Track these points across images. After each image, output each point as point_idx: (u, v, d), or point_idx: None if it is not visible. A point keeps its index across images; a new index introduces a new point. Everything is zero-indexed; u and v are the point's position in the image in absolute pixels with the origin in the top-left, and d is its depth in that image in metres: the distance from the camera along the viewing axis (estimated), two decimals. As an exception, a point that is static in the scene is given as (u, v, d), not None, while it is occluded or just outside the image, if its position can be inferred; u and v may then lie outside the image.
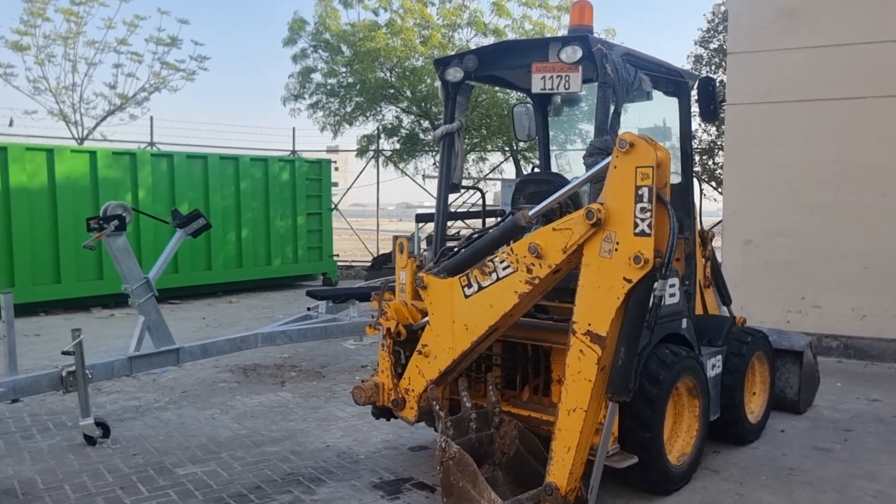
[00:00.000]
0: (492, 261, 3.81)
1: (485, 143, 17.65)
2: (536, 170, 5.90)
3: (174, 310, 11.85)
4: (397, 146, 17.92)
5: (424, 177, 17.98)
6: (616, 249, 3.36)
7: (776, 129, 8.29)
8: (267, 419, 5.89)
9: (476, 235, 4.09)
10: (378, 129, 18.19)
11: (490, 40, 17.09)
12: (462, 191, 5.23)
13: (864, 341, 8.17)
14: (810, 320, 8.33)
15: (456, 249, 4.22)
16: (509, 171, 18.59)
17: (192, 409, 6.17)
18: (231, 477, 4.61)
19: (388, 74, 16.59)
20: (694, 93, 5.14)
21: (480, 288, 3.86)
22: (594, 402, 3.51)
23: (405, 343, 4.37)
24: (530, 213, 3.79)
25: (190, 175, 13.17)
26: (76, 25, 17.37)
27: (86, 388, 5.06)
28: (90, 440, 5.14)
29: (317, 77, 17.44)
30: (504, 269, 3.76)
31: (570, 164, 6.29)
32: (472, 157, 17.99)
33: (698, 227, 5.46)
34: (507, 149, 17.47)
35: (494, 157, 18.53)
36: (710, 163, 15.94)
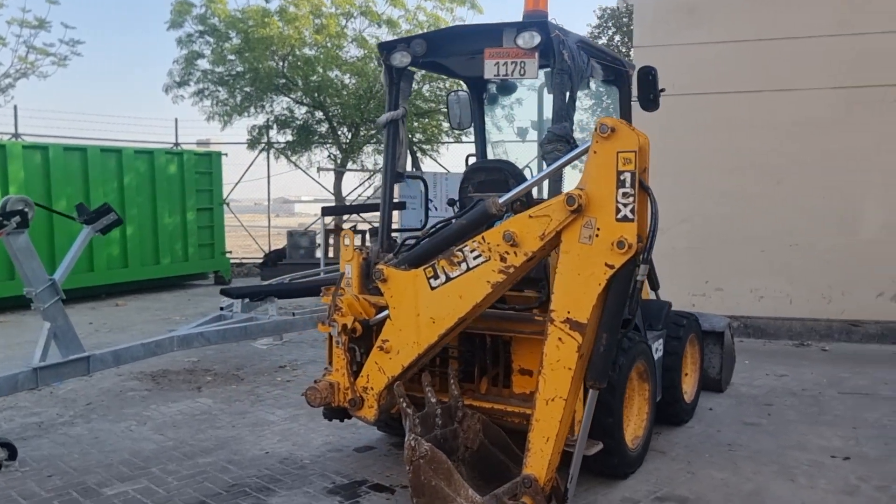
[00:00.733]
0: (461, 250, 3.67)
1: (380, 134, 17.42)
2: (472, 159, 5.80)
3: (56, 315, 10.88)
4: (290, 138, 17.34)
5: (319, 169, 17.52)
6: (597, 235, 3.32)
7: (680, 120, 8.62)
8: (192, 428, 5.48)
9: (440, 225, 3.94)
10: (268, 120, 17.55)
11: (384, 30, 16.89)
12: (405, 180, 5.04)
13: (762, 321, 8.70)
14: (713, 302, 8.75)
15: (416, 240, 4.06)
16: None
17: (103, 422, 5.64)
18: (168, 493, 4.22)
19: (281, 64, 16.01)
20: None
21: (448, 279, 3.72)
22: (573, 390, 3.47)
23: (359, 339, 4.17)
24: (500, 200, 3.69)
25: (67, 169, 12.10)
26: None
27: (-13, 406, 4.49)
28: (-7, 463, 4.58)
29: (203, 63, 16.57)
30: (475, 258, 3.63)
31: (507, 152, 6.24)
32: (368, 148, 17.72)
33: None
34: (402, 141, 17.30)
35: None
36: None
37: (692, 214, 8.74)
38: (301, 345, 8.58)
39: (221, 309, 7.46)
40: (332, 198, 18.29)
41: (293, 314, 7.29)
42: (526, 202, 3.82)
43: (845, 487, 4.22)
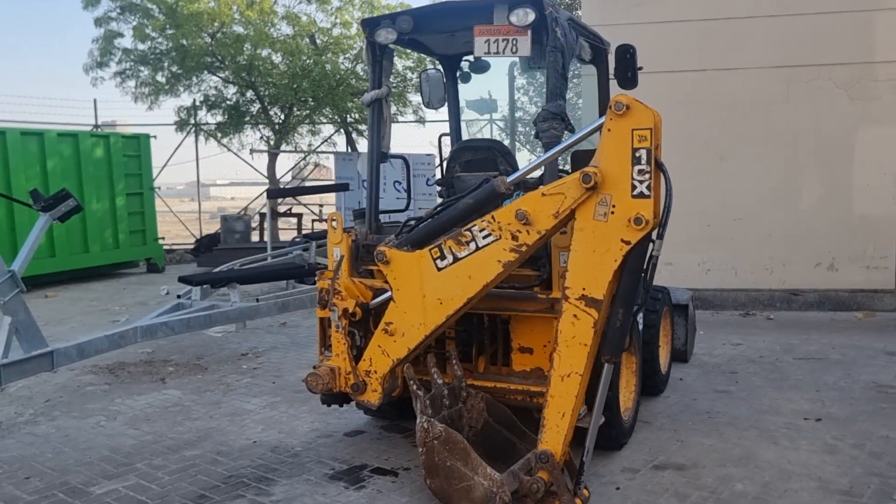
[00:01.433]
0: (469, 230, 3.65)
1: (315, 115, 17.08)
2: (446, 139, 5.77)
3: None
4: (221, 119, 16.77)
5: (252, 151, 17.04)
6: (612, 212, 3.36)
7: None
8: (167, 421, 5.27)
9: (442, 206, 3.89)
10: (195, 101, 16.92)
11: (313, 6, 16.53)
12: (387, 160, 4.96)
13: (710, 292, 9.04)
14: (664, 276, 8.92)
15: (417, 222, 4.01)
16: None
17: (68, 419, 5.36)
18: (163, 489, 4.06)
19: (210, 41, 15.44)
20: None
21: (456, 259, 3.69)
22: (588, 365, 3.52)
23: (357, 323, 4.10)
24: (509, 179, 3.68)
25: (-17, 153, 11.36)
26: None
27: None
28: (-40, 468, 4.29)
29: (124, 42, 15.81)
30: (484, 237, 3.62)
31: (483, 131, 6.21)
32: (303, 129, 17.34)
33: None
34: (338, 120, 17.04)
35: (326, 130, 18.02)
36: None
37: (642, 191, 8.94)
38: (257, 331, 8.37)
39: (179, 297, 7.18)
40: (259, 181, 17.88)
41: (257, 300, 7.10)
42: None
43: (825, 447, 4.46)
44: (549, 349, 4.20)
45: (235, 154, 17.69)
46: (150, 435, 4.97)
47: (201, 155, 17.45)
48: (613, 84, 5.32)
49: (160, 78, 16.22)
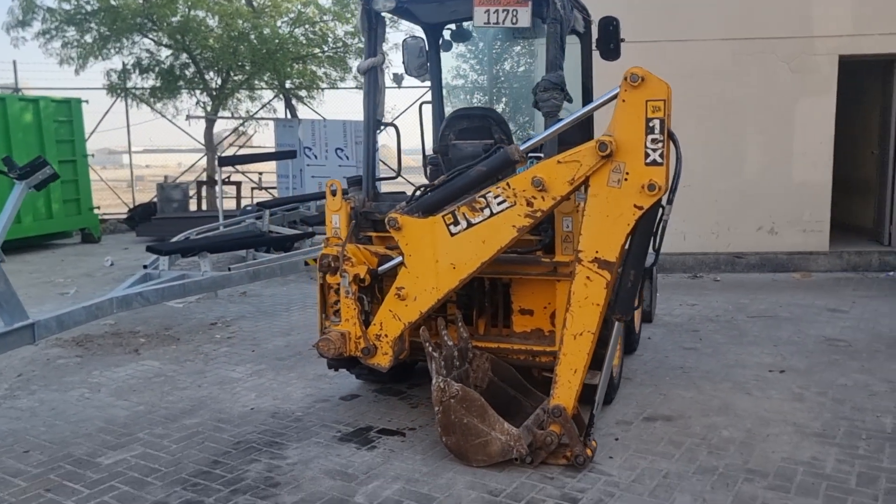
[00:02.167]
0: (483, 196, 3.77)
1: (253, 80, 16.68)
2: (427, 106, 5.82)
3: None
4: (154, 83, 16.16)
5: (188, 117, 16.50)
6: (626, 179, 3.54)
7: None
8: (155, 391, 5.22)
9: (455, 173, 3.98)
10: (124, 63, 16.23)
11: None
12: (382, 128, 5.00)
13: (661, 256, 9.41)
14: (617, 242, 9.38)
15: (424, 189, 4.09)
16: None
17: (48, 392, 5.23)
18: (173, 457, 4.07)
19: (141, 1, 14.80)
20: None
21: (470, 225, 3.82)
22: (599, 324, 3.72)
23: (365, 289, 4.18)
24: (522, 147, 3.81)
25: None
26: None
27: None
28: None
29: (48, 1, 14.97)
30: (499, 203, 3.75)
31: (470, 101, 6.28)
32: (241, 94, 16.90)
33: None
34: (277, 85, 16.69)
35: (266, 96, 17.62)
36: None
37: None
38: (219, 301, 8.27)
39: (145, 267, 7.03)
40: (195, 147, 17.37)
41: (229, 269, 7.02)
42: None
43: (793, 396, 4.85)
44: (549, 310, 4.43)
45: (170, 120, 17.12)
46: (141, 406, 4.92)
47: (134, 121, 16.81)
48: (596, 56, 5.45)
49: (88, 39, 15.46)
